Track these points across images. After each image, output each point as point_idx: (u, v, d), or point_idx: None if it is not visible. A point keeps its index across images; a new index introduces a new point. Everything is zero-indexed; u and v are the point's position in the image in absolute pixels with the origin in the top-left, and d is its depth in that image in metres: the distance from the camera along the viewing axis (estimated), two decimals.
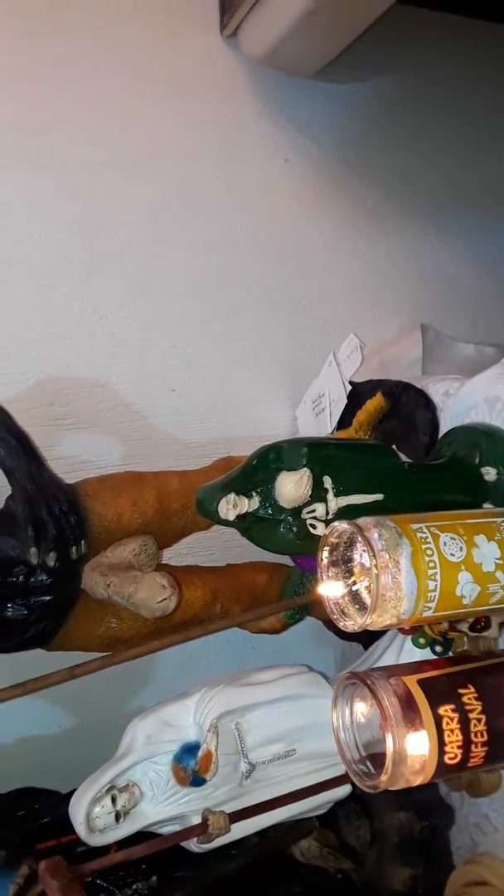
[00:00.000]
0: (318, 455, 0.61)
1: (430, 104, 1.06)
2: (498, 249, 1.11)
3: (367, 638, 0.81)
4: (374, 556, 0.44)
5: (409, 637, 0.68)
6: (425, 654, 0.67)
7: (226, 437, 0.90)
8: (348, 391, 0.83)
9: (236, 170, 0.93)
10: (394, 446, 0.71)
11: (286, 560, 0.82)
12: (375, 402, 0.78)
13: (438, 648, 0.66)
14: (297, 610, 0.77)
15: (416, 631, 0.66)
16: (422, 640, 0.66)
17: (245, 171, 0.94)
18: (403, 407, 0.77)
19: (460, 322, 1.07)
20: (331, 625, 0.89)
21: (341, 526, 0.47)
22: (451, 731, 0.44)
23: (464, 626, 0.63)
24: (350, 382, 0.84)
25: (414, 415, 0.75)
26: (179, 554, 0.86)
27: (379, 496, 0.61)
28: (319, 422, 0.88)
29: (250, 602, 0.75)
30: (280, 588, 0.78)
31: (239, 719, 0.61)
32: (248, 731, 0.61)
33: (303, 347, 0.96)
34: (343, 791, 0.63)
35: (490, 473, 0.64)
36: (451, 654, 0.65)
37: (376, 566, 0.44)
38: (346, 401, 0.83)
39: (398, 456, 0.65)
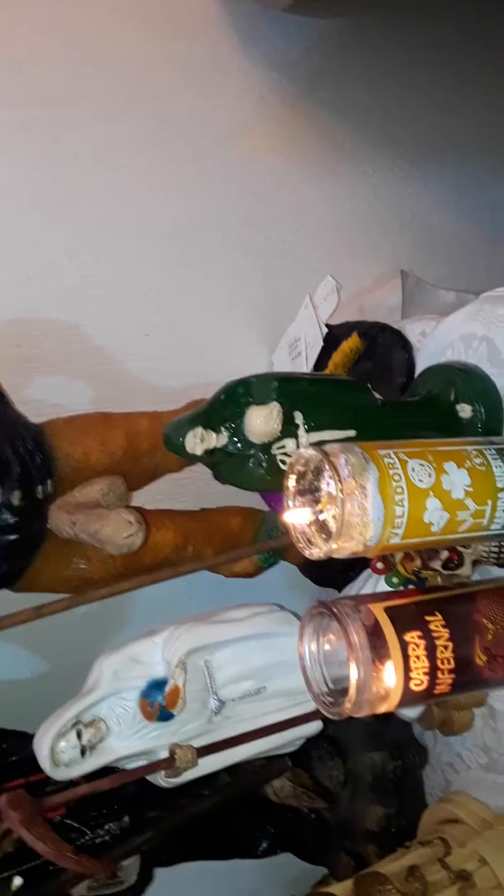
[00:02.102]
0: (288, 389, 0.59)
1: (413, 43, 1.03)
2: (482, 197, 1.09)
3: (342, 582, 0.81)
4: (340, 480, 0.43)
5: (383, 577, 0.67)
6: None
7: (200, 383, 0.88)
8: (324, 334, 0.81)
9: (209, 108, 0.90)
10: (369, 385, 0.70)
11: (261, 505, 0.81)
12: (351, 343, 0.77)
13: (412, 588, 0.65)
14: (271, 553, 0.77)
15: (389, 570, 0.66)
16: (395, 580, 0.66)
17: (219, 110, 0.91)
18: (379, 347, 0.75)
19: (442, 270, 1.05)
20: (306, 570, 0.88)
21: (307, 452, 0.46)
22: (418, 657, 0.44)
23: (437, 564, 0.62)
24: (326, 325, 0.83)
25: (390, 355, 0.74)
26: (153, 500, 0.84)
27: (351, 432, 0.60)
28: (296, 366, 0.87)
29: (223, 546, 0.74)
30: (254, 532, 0.77)
31: (208, 657, 0.60)
32: (218, 668, 0.60)
33: (279, 292, 0.94)
34: (313, 727, 0.62)
35: (465, 410, 0.62)
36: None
37: (342, 491, 0.43)
38: (322, 343, 0.81)
39: (371, 392, 0.63)
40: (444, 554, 0.61)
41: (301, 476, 0.48)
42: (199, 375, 0.90)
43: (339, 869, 0.74)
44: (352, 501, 0.43)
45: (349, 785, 0.74)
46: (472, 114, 1.07)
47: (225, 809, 0.70)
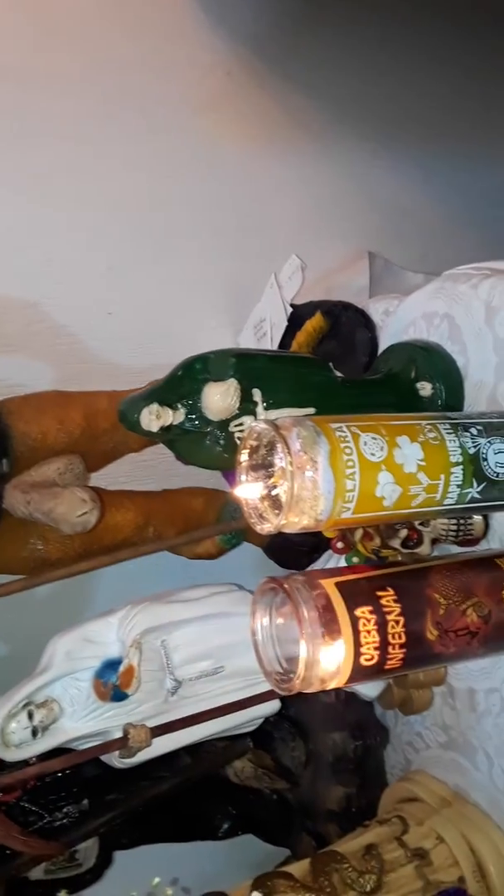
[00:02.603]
0: (246, 366, 0.59)
1: (383, 22, 1.01)
2: (452, 179, 1.08)
3: (306, 564, 0.81)
4: (290, 454, 0.43)
5: (343, 557, 0.67)
6: None
7: (164, 364, 0.86)
8: (289, 313, 0.81)
9: (175, 82, 0.88)
10: (330, 363, 0.69)
11: (224, 486, 0.81)
12: (314, 322, 0.76)
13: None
14: (234, 534, 0.76)
15: (349, 550, 0.65)
16: (355, 559, 0.65)
17: (185, 85, 0.89)
18: (343, 327, 0.75)
19: (410, 252, 1.04)
20: (271, 552, 0.88)
21: (259, 426, 0.46)
22: (368, 632, 0.43)
23: (396, 543, 0.62)
24: (291, 305, 0.82)
25: (353, 334, 0.73)
26: (117, 482, 0.83)
27: (310, 410, 0.60)
28: (261, 347, 0.86)
29: (185, 526, 0.73)
30: (217, 513, 0.77)
31: (165, 636, 0.59)
32: (175, 648, 0.60)
33: (246, 272, 0.92)
34: (271, 707, 0.62)
35: (425, 388, 0.62)
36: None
37: (291, 464, 0.42)
38: (286, 323, 0.81)
39: (332, 370, 0.63)
40: (404, 532, 0.61)
41: (254, 450, 0.47)
42: (163, 356, 0.88)
43: (301, 849, 0.74)
44: (302, 475, 0.43)
45: (311, 765, 0.74)
46: (443, 96, 1.06)
47: (186, 791, 0.70)
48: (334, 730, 0.72)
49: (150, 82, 0.87)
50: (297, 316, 0.80)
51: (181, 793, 0.70)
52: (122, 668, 0.57)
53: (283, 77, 0.95)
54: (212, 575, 0.88)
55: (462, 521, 0.60)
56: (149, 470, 0.86)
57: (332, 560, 0.69)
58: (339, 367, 0.73)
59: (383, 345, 0.71)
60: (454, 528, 0.60)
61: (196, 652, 0.61)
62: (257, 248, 0.93)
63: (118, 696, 0.57)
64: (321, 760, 0.73)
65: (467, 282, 0.62)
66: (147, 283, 0.86)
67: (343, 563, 0.67)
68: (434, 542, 0.62)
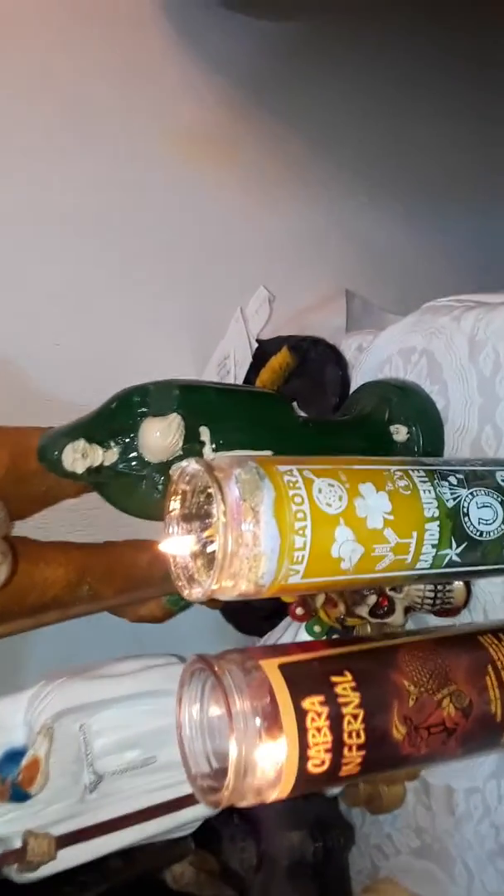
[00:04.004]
0: (193, 400, 0.50)
1: (365, 51, 0.97)
2: (434, 216, 1.03)
3: (267, 629, 0.72)
4: (225, 501, 0.34)
5: (304, 625, 0.58)
6: None
7: None
8: (254, 349, 0.73)
9: (144, 104, 0.83)
10: (295, 403, 0.61)
11: None
12: (280, 359, 0.69)
13: (336, 638, 0.56)
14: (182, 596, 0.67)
15: (309, 617, 0.57)
16: (316, 628, 0.57)
17: (154, 107, 0.84)
18: (311, 363, 0.67)
19: (388, 293, 0.98)
20: (228, 615, 0.79)
21: (191, 467, 0.37)
22: (318, 729, 0.34)
23: (363, 611, 0.53)
24: (257, 340, 0.75)
25: (323, 372, 0.66)
26: (56, 532, 0.74)
27: (267, 453, 0.51)
28: None
29: (126, 584, 0.64)
30: (165, 569, 0.67)
31: (85, 719, 0.49)
32: (98, 733, 0.50)
33: (211, 307, 0.85)
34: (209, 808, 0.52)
35: (400, 432, 0.54)
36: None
37: (225, 514, 0.34)
38: (251, 360, 0.73)
39: (293, 408, 0.55)
40: (373, 599, 0.53)
41: (186, 497, 0.39)
42: (113, 392, 0.81)
43: None
44: (238, 528, 0.34)
45: (263, 869, 0.63)
46: (429, 128, 1.02)
47: None
48: (291, 828, 0.62)
49: (114, 102, 0.82)
50: (263, 352, 0.73)
51: None
52: (25, 762, 0.47)
53: (259, 106, 0.90)
54: (163, 639, 0.79)
55: (440, 588, 0.51)
56: (93, 518, 0.77)
57: (293, 628, 0.60)
58: (306, 407, 0.66)
59: (356, 384, 0.63)
60: (430, 595, 0.52)
61: (123, 739, 0.50)
62: (225, 282, 0.87)
63: (18, 795, 0.46)
64: (275, 864, 0.63)
65: (448, 314, 0.55)
66: (100, 313, 0.79)
67: (303, 632, 0.59)
68: (408, 610, 0.53)
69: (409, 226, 1.00)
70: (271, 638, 0.63)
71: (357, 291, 0.91)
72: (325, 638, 0.57)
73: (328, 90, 0.94)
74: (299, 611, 0.56)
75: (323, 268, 0.93)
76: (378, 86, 0.97)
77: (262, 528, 0.35)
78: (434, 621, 0.55)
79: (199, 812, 0.51)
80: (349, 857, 0.64)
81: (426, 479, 0.39)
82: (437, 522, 0.38)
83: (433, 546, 0.38)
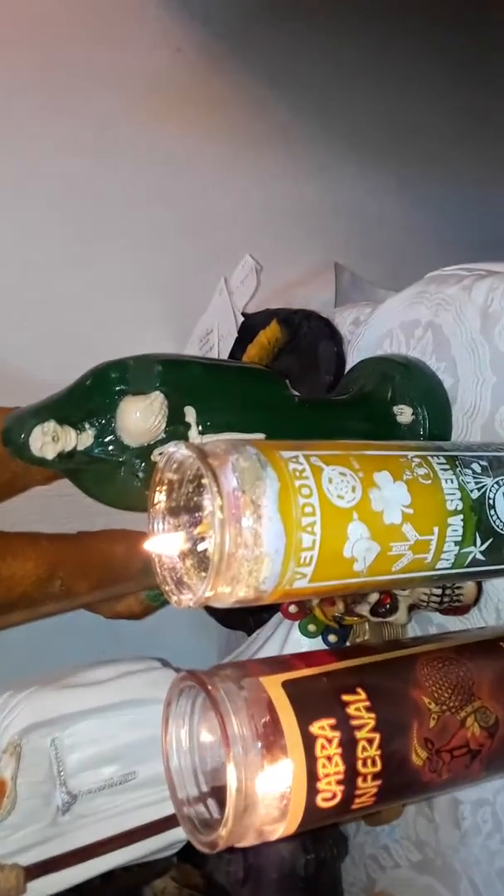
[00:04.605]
0: (177, 377, 0.45)
1: (358, 15, 0.91)
2: (428, 189, 0.98)
3: (255, 625, 0.67)
4: (221, 493, 0.29)
5: (297, 623, 0.53)
6: (317, 646, 0.52)
7: None
8: (240, 323, 0.68)
9: (116, 56, 0.76)
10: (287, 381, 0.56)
11: None
12: (269, 333, 0.63)
13: (332, 638, 0.52)
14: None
15: (304, 615, 0.52)
16: (311, 627, 0.52)
17: (127, 59, 0.77)
18: (303, 339, 0.62)
19: (378, 268, 0.92)
20: (213, 609, 0.74)
21: (180, 452, 0.32)
22: (329, 758, 0.30)
23: (364, 609, 0.49)
24: (243, 314, 0.69)
25: (315, 348, 0.61)
26: (25, 521, 0.69)
27: (259, 435, 0.46)
28: None
29: (102, 578, 0.59)
30: (143, 562, 0.62)
31: (58, 733, 0.44)
32: (71, 748, 0.45)
33: (191, 278, 0.79)
34: None
35: (404, 413, 0.49)
36: (347, 645, 0.51)
37: (222, 509, 0.29)
38: (236, 334, 0.68)
39: (287, 386, 0.50)
40: (374, 596, 0.48)
41: (173, 487, 0.33)
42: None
43: None
44: (238, 525, 0.29)
45: (249, 883, 0.59)
46: (419, 102, 0.96)
47: None
48: (281, 839, 0.57)
49: (84, 54, 0.75)
50: (250, 326, 0.68)
51: None
52: None
53: (243, 62, 0.84)
54: (143, 636, 0.74)
55: (449, 584, 0.47)
56: (67, 507, 0.71)
57: (284, 626, 0.55)
58: (297, 386, 0.60)
59: (352, 361, 0.58)
60: (438, 592, 0.47)
61: (99, 753, 0.45)
62: (206, 252, 0.81)
63: None
64: (263, 877, 0.58)
65: (457, 283, 0.50)
66: (71, 287, 0.73)
67: (296, 631, 0.54)
68: (412, 608, 0.49)
69: (401, 201, 0.95)
70: (260, 636, 0.58)
71: (347, 265, 0.86)
72: (320, 637, 0.52)
73: (318, 54, 0.88)
74: (292, 608, 0.52)
75: (311, 240, 0.88)
76: (371, 52, 0.91)
77: (264, 525, 0.30)
78: (438, 619, 0.51)
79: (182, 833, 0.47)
80: (343, 867, 0.60)
81: (447, 466, 0.34)
82: (461, 516, 0.34)
83: (456, 543, 0.34)
